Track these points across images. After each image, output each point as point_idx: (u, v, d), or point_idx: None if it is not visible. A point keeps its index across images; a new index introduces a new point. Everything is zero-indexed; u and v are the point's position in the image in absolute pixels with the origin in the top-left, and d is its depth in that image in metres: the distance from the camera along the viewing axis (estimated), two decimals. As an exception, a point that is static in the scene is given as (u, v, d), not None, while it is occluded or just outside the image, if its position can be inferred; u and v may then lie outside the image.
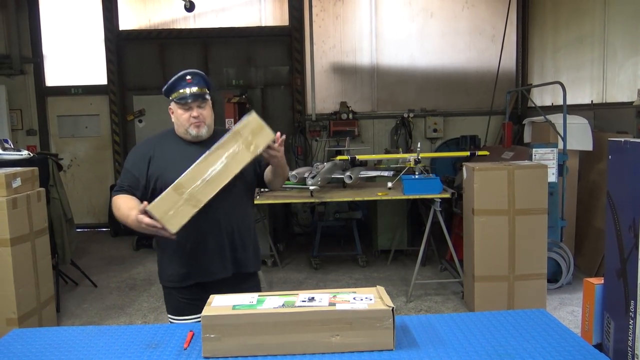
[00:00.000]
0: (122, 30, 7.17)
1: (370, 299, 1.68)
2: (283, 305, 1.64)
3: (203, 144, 2.06)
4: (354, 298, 1.69)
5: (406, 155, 4.58)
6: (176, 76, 2.09)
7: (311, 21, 7.08)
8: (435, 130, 7.19)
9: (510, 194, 3.80)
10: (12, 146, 4.61)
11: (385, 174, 4.61)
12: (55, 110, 7.28)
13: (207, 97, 2.11)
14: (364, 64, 7.32)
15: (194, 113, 2.05)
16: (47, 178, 4.39)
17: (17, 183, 3.46)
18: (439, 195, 4.21)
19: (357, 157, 4.68)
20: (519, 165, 3.85)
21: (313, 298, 1.70)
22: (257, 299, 1.71)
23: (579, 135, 4.83)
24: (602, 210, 4.93)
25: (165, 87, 2.11)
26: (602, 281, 3.22)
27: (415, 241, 5.71)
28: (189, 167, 1.89)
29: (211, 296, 1.76)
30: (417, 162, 4.37)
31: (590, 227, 5.02)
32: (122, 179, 2.12)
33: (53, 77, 7.28)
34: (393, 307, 1.62)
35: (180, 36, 7.20)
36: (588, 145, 4.87)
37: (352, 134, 6.99)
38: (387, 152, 6.60)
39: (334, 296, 1.71)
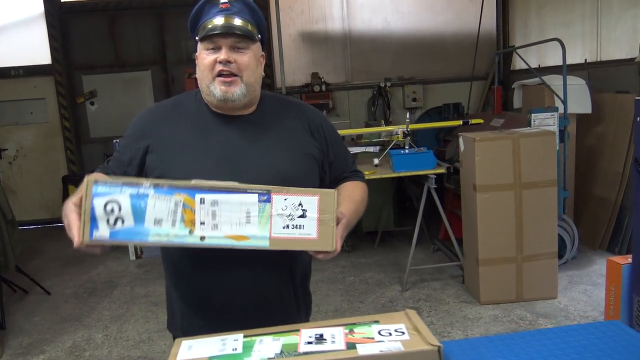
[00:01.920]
0: (65, 2, 6.41)
1: (402, 332, 1.20)
2: (281, 353, 1.15)
3: (246, 121, 1.39)
4: (380, 332, 1.21)
5: (393, 128, 4.11)
6: None
7: (276, -15, 6.45)
8: (414, 100, 6.73)
9: (516, 165, 3.37)
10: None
11: (371, 149, 4.13)
12: (-5, 96, 6.51)
13: (252, 36, 1.35)
14: (336, 31, 6.76)
15: (222, 56, 1.31)
16: (-21, 174, 3.74)
17: None
18: (433, 171, 3.76)
19: (340, 132, 4.16)
20: (524, 133, 3.42)
21: (322, 336, 1.21)
22: (242, 342, 1.21)
23: (576, 98, 4.43)
24: (602, 177, 4.58)
25: (190, 16, 1.40)
26: (629, 260, 2.86)
27: (402, 221, 5.29)
28: (216, 166, 1.34)
29: (176, 341, 1.25)
30: (406, 134, 3.90)
31: (589, 196, 4.67)
32: (112, 160, 1.47)
33: (-11, 57, 6.48)
34: (440, 346, 1.14)
35: (131, 6, 6.49)
36: (587, 108, 4.48)
37: (327, 107, 6.47)
38: (367, 125, 6.11)
39: (350, 330, 1.23)
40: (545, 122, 3.99)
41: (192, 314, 1.49)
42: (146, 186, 1.15)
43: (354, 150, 4.31)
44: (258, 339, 1.23)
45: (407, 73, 6.83)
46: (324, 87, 6.57)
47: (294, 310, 1.51)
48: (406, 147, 3.90)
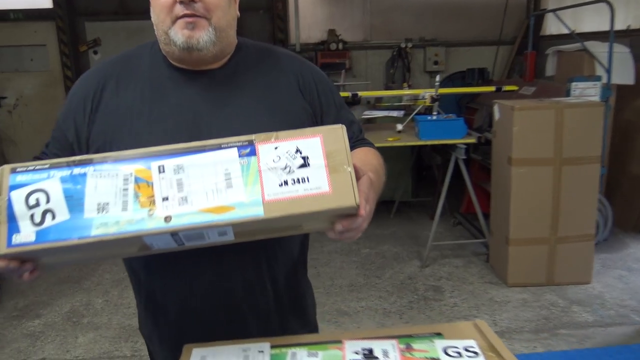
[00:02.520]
0: (67, -59, 5.97)
1: (475, 353, 0.94)
2: (324, 377, 0.89)
3: (213, 76, 1.10)
4: (446, 351, 0.94)
5: (420, 91, 3.78)
6: None
7: None
8: (436, 63, 6.35)
9: (557, 139, 3.06)
10: None
11: (395, 114, 3.81)
12: (-7, 40, 6.15)
13: None
14: (356, -15, 6.32)
15: None
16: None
17: None
18: (462, 140, 3.45)
19: (360, 94, 3.84)
20: (569, 104, 3.10)
21: (371, 353, 0.94)
22: (269, 354, 0.95)
23: (619, 67, 4.07)
24: (639, 155, 4.27)
25: None
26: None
27: (420, 192, 5.02)
28: (170, 136, 0.99)
29: (185, 349, 0.99)
30: (435, 99, 3.58)
31: (624, 174, 4.37)
32: (51, 142, 1.16)
33: (-13, -1, 6.09)
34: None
35: (138, -51, 6.05)
36: (629, 79, 4.12)
37: (344, 67, 6.09)
38: (387, 88, 5.76)
39: (407, 346, 0.96)
40: (587, 92, 3.66)
41: (149, 322, 1.21)
42: (82, 163, 0.83)
43: (375, 113, 3.99)
44: (290, 351, 0.97)
45: (429, 34, 6.42)
46: (341, 46, 6.19)
47: (276, 321, 1.17)
48: (434, 113, 3.58)
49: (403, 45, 6.25)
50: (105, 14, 6.09)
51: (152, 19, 1.07)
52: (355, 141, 1.23)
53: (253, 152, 0.84)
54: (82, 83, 1.14)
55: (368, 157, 1.13)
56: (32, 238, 0.78)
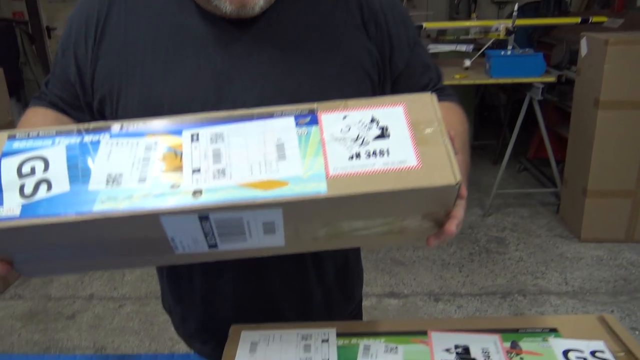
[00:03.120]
0: None
1: (602, 355, 0.71)
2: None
3: (245, 30, 0.83)
4: (567, 355, 0.72)
5: (492, 23, 3.37)
6: None
7: None
8: (506, -9, 5.76)
9: (656, 78, 2.65)
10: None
11: (463, 48, 3.43)
12: (41, -33, 5.99)
13: None
14: None
15: None
16: (16, 54, 3.35)
17: (-43, 61, 2.44)
18: (540, 79, 3.07)
19: (424, 25, 3.47)
20: (673, 37, 2.66)
21: (467, 351, 0.73)
22: (336, 346, 0.76)
23: None
24: None
25: None
26: None
27: (482, 134, 4.66)
28: (194, 87, 0.81)
29: (233, 329, 0.81)
30: (510, 32, 3.18)
31: None
32: (50, 77, 0.94)
33: None
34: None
35: None
36: None
37: (403, -4, 5.63)
38: (451, 19, 5.29)
39: (513, 345, 0.75)
40: (690, 24, 3.16)
41: (172, 295, 1.03)
42: (96, 130, 0.64)
43: (439, 48, 3.62)
44: (362, 343, 0.77)
45: (500, -41, 5.81)
46: (401, -28, 5.69)
47: (318, 299, 0.98)
48: (509, 47, 3.19)
49: (470, -29, 5.69)
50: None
51: None
52: (433, 92, 0.97)
53: (315, 122, 0.63)
54: (84, 4, 0.89)
55: (452, 120, 0.86)
56: (17, 212, 0.58)
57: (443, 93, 0.97)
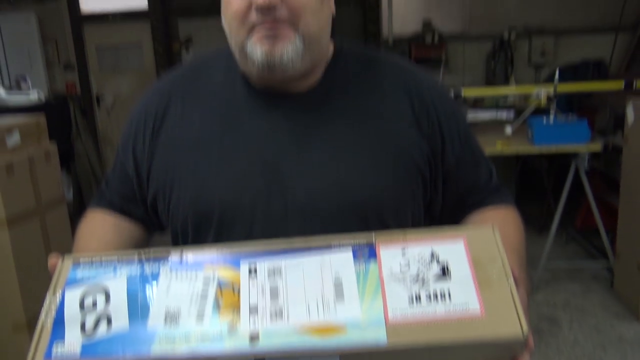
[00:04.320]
0: (163, -58, 6.02)
1: None
2: None
3: (303, 101, 0.85)
4: None
5: (532, 88, 3.35)
6: None
7: None
8: (542, 54, 5.76)
9: None
10: (29, 85, 3.74)
11: (504, 115, 3.41)
12: (94, 41, 6.36)
13: None
14: (454, -29, 5.87)
15: None
16: (69, 128, 3.50)
17: (13, 139, 2.56)
18: (585, 148, 3.00)
19: (463, 92, 3.48)
20: None
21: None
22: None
23: None
24: None
25: None
26: None
27: (525, 200, 4.55)
28: (244, 180, 0.83)
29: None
30: (551, 99, 3.14)
31: None
32: (111, 176, 0.99)
33: (88, 1, 6.31)
34: None
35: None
36: None
37: (439, 62, 5.70)
38: (488, 83, 5.31)
39: None
40: None
41: None
42: (156, 257, 0.66)
43: (479, 115, 3.61)
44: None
45: (535, 21, 5.85)
46: (437, 38, 5.78)
47: None
48: (551, 114, 3.14)
49: (506, 35, 5.73)
50: (198, 11, 6.09)
51: (225, 29, 0.84)
52: (487, 193, 0.93)
53: (373, 255, 0.63)
54: (143, 101, 0.94)
55: (508, 232, 0.83)
56: (77, 350, 0.60)
57: (495, 194, 0.94)
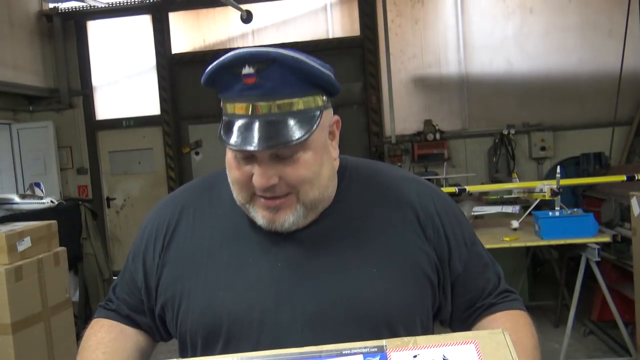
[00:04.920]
0: (175, 54, 6.45)
1: None
2: None
3: (308, 235, 0.87)
4: None
5: (536, 184, 3.40)
6: (220, 62, 0.82)
7: (386, 28, 6.06)
8: (543, 149, 5.92)
9: None
10: (43, 192, 3.85)
11: (510, 209, 3.44)
12: (107, 146, 6.62)
13: (308, 128, 0.80)
14: (451, 75, 6.19)
15: (259, 179, 0.80)
16: (79, 230, 3.55)
17: (24, 245, 2.60)
18: (594, 240, 2.99)
19: (468, 188, 3.54)
20: None
21: None
22: None
23: None
24: None
25: (203, 81, 0.87)
26: None
27: (537, 293, 4.46)
28: (254, 293, 0.84)
29: None
30: (555, 193, 3.18)
31: None
32: (119, 282, 0.99)
33: (103, 109, 6.65)
34: None
35: (238, 56, 6.38)
36: None
37: (441, 158, 5.85)
38: (492, 178, 5.40)
39: None
40: None
41: None
42: None
43: (485, 210, 3.64)
44: None
45: (534, 119, 6.06)
46: (438, 136, 5.98)
47: None
48: (556, 208, 3.17)
49: (505, 132, 5.92)
50: (206, 116, 6.38)
51: (227, 173, 0.87)
52: (496, 298, 0.93)
53: None
54: (157, 213, 0.97)
55: (521, 336, 0.83)
56: None
57: (505, 298, 0.94)
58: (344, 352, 0.64)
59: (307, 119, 0.80)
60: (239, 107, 0.80)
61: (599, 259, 2.95)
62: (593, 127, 5.89)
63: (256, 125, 0.78)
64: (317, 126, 0.80)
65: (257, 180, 0.80)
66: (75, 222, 3.50)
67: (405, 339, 0.65)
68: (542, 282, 4.67)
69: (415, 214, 0.90)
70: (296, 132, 0.78)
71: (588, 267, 3.08)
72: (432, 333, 0.89)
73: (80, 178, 6.58)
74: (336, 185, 0.89)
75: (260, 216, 0.83)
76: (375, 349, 0.64)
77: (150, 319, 0.94)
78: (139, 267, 0.93)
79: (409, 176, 0.98)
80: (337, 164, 0.90)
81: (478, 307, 0.92)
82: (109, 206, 6.55)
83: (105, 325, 0.95)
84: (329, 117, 0.87)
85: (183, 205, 0.94)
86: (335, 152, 0.89)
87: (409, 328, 0.83)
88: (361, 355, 0.64)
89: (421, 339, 0.64)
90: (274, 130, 0.78)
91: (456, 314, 0.93)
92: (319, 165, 0.83)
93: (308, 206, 0.83)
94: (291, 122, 0.79)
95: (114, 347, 0.91)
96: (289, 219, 0.83)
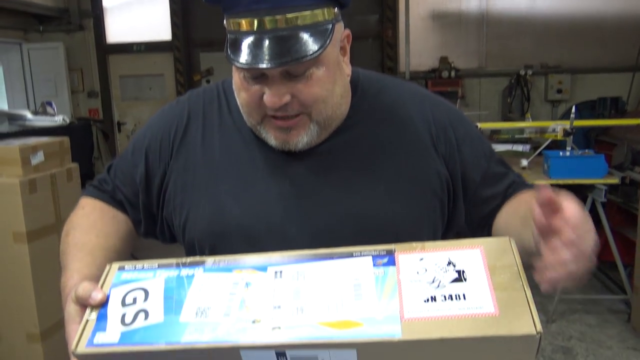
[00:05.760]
0: (188, -23, 6.25)
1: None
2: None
3: (320, 152, 0.86)
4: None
5: (551, 123, 3.37)
6: None
7: (406, -42, 5.81)
8: (559, 91, 5.81)
9: None
10: (54, 110, 3.86)
11: (520, 148, 3.42)
12: (117, 70, 6.57)
13: (322, 41, 0.77)
14: (471, 11, 6.00)
15: (270, 98, 0.78)
16: (90, 149, 3.59)
17: (38, 159, 2.64)
18: (602, 181, 2.99)
19: (480, 125, 3.51)
20: None
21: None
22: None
23: None
24: None
25: None
26: None
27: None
28: (265, 205, 0.85)
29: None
30: (568, 133, 3.16)
31: None
32: (115, 169, 0.97)
33: (114, 33, 6.54)
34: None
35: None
36: None
37: (455, 96, 5.76)
38: (505, 117, 5.34)
39: None
40: None
41: None
42: (193, 264, 0.71)
43: (495, 147, 3.61)
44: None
45: (552, 60, 5.91)
46: (453, 74, 5.87)
47: None
48: (567, 148, 3.15)
49: (522, 72, 5.79)
50: (219, 44, 6.24)
51: (236, 94, 0.85)
52: (514, 188, 0.92)
53: (392, 262, 0.66)
54: (163, 114, 0.96)
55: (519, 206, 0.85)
56: (116, 339, 0.64)
57: (523, 186, 0.93)
58: (354, 254, 0.67)
59: (319, 32, 0.77)
60: (245, 23, 0.76)
61: (605, 200, 2.96)
62: (613, 72, 5.74)
63: (266, 42, 0.75)
64: (330, 40, 0.78)
65: (269, 100, 0.77)
66: (87, 142, 3.53)
67: (414, 243, 0.67)
68: (546, 224, 4.71)
69: (428, 129, 0.89)
70: (309, 46, 0.75)
71: (593, 209, 3.10)
72: None
73: (91, 101, 6.57)
74: (349, 103, 0.88)
75: (272, 137, 0.83)
76: (385, 252, 0.67)
77: (144, 216, 0.94)
78: (139, 162, 0.92)
79: (421, 91, 0.96)
80: (347, 90, 0.88)
81: (494, 214, 0.91)
82: (119, 130, 6.57)
83: (98, 208, 0.94)
84: (341, 31, 0.84)
85: (191, 111, 0.93)
86: (347, 68, 0.87)
87: None
88: (370, 257, 0.66)
89: (429, 244, 0.67)
90: (285, 46, 0.75)
91: (475, 221, 0.92)
92: (332, 82, 0.81)
93: (322, 125, 0.82)
94: (303, 36, 0.75)
95: (106, 232, 0.90)
96: (303, 139, 0.82)
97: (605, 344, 2.92)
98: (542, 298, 3.48)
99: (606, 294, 3.48)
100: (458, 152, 0.89)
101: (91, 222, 0.91)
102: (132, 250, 1.00)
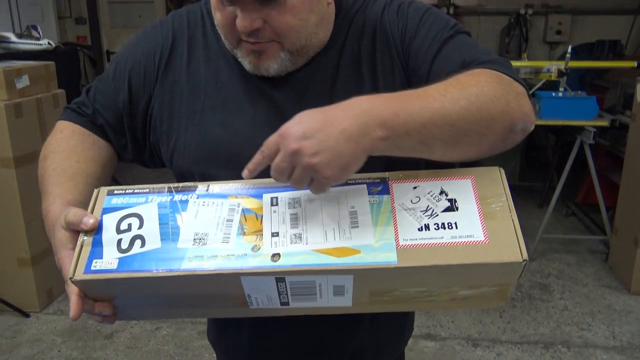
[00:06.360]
0: None
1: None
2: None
3: (297, 79, 0.85)
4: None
5: (545, 63, 3.32)
6: None
7: None
8: (558, 33, 5.69)
9: None
10: (40, 34, 3.75)
11: (513, 88, 3.38)
12: (106, -4, 6.33)
13: None
14: (474, -57, 5.76)
15: (241, 22, 0.76)
16: (77, 75, 3.52)
17: (22, 82, 2.59)
18: (592, 123, 3.00)
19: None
20: None
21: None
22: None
23: None
24: None
25: None
26: None
27: (528, 175, 4.56)
28: (251, 130, 0.84)
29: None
30: (562, 73, 3.12)
31: None
32: (94, 92, 0.92)
33: (102, -46, 6.25)
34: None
35: None
36: None
37: (453, 34, 5.64)
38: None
39: None
40: None
41: (216, 329, 1.04)
42: (185, 190, 0.72)
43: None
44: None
45: (554, 0, 5.76)
46: (452, 10, 5.71)
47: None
48: (560, 89, 3.13)
49: (522, 11, 5.65)
50: (211, -29, 6.03)
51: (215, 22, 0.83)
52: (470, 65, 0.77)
53: (386, 191, 0.68)
54: (145, 35, 0.92)
55: (466, 81, 0.70)
56: (114, 265, 0.65)
57: (483, 65, 0.76)
58: (349, 182, 0.69)
59: None
60: None
61: (593, 142, 2.98)
62: (614, 14, 5.61)
63: None
64: None
65: (240, 24, 0.75)
66: (74, 68, 3.46)
67: (408, 172, 0.69)
68: (534, 166, 4.75)
69: (384, 34, 0.85)
70: None
71: (581, 153, 3.13)
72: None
73: (79, 28, 6.37)
74: (330, 30, 0.85)
75: (247, 62, 0.81)
76: (379, 180, 0.69)
77: (130, 139, 0.92)
78: (121, 87, 0.89)
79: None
80: (331, 8, 0.84)
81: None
82: (108, 60, 6.42)
83: (77, 132, 0.90)
84: None
85: (175, 33, 0.89)
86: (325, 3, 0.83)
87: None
88: (365, 185, 0.69)
89: (422, 173, 0.69)
90: None
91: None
92: (307, 10, 0.77)
93: (295, 53, 0.80)
94: None
95: (87, 157, 0.87)
96: (273, 65, 0.80)
97: (581, 281, 3.03)
98: (525, 237, 3.56)
99: (587, 235, 3.57)
100: (412, 37, 0.83)
101: (71, 146, 0.88)
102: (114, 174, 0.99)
